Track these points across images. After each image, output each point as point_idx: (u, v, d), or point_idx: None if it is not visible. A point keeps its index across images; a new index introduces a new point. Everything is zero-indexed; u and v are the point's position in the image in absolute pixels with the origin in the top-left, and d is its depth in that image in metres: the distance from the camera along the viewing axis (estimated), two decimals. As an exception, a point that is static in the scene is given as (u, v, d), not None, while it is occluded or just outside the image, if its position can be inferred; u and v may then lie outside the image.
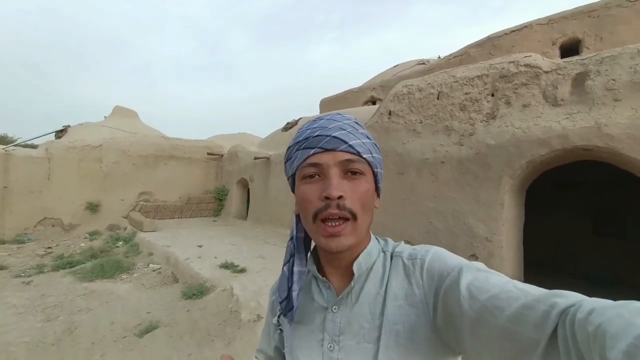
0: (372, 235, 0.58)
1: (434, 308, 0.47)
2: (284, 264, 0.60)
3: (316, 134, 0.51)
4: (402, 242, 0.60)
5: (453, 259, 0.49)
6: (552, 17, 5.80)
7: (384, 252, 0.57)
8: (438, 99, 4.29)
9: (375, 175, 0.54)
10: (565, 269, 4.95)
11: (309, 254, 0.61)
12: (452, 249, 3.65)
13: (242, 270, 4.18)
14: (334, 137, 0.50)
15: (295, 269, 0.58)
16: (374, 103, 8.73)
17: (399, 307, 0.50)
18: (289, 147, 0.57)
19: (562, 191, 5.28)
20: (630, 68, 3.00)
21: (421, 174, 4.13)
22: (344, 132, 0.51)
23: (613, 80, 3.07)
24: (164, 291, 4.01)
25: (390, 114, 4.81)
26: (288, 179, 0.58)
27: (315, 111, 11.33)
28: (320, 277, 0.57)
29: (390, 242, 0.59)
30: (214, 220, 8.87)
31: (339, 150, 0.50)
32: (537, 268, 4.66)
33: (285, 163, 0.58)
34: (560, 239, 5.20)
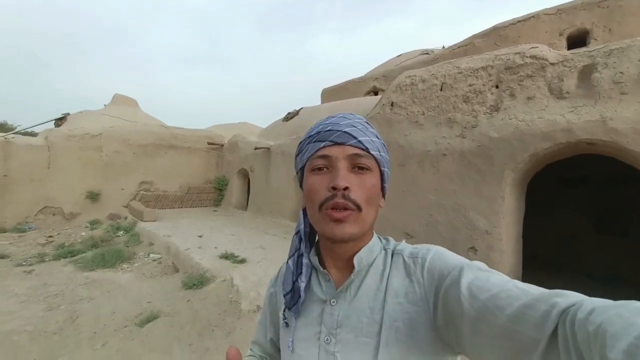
0: (375, 234, 0.58)
1: (434, 307, 0.47)
2: (289, 258, 0.61)
3: (328, 128, 0.53)
4: (404, 241, 0.60)
5: (454, 258, 0.49)
6: (561, 7, 5.64)
7: (385, 249, 0.57)
8: (441, 90, 4.22)
9: (382, 174, 0.55)
10: (568, 267, 4.94)
11: (312, 247, 0.62)
12: (452, 241, 3.66)
13: (242, 261, 4.20)
14: (345, 132, 0.52)
15: (304, 260, 0.59)
16: (376, 94, 8.61)
17: (399, 304, 0.50)
18: (300, 142, 0.58)
19: (566, 188, 5.25)
20: (639, 61, 2.93)
21: (423, 167, 4.09)
22: (354, 128, 0.53)
23: (621, 73, 3.00)
24: (164, 281, 4.04)
25: (392, 105, 4.73)
26: (297, 173, 0.60)
27: (316, 102, 11.19)
28: (321, 268, 0.58)
29: (392, 240, 0.59)
30: (215, 211, 8.88)
31: (348, 145, 0.52)
32: (538, 265, 4.66)
33: (295, 157, 0.60)
34: (563, 236, 5.19)
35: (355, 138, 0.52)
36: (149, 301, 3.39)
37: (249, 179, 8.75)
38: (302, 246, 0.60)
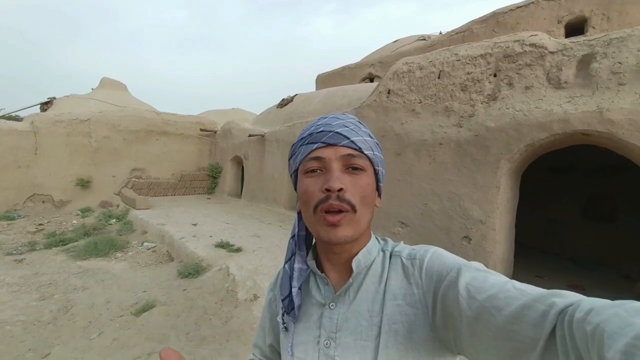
0: (372, 235, 0.58)
1: (432, 308, 0.47)
2: (286, 262, 0.61)
3: (320, 130, 0.53)
4: (402, 242, 0.59)
5: (452, 259, 0.49)
6: (560, -8, 5.52)
7: (383, 251, 0.57)
8: (439, 78, 4.14)
9: (376, 173, 0.55)
10: (553, 253, 5.05)
11: (309, 251, 0.61)
12: (447, 230, 3.69)
13: (238, 250, 4.18)
14: (337, 132, 0.52)
15: (296, 266, 0.59)
16: (371, 80, 8.46)
17: (397, 306, 0.50)
18: (293, 145, 0.58)
19: (555, 174, 5.31)
20: (639, 51, 2.89)
21: (419, 155, 4.07)
22: (346, 129, 0.52)
23: (619, 63, 2.97)
24: (159, 270, 4.01)
25: (389, 92, 4.64)
26: (291, 176, 0.59)
27: (311, 88, 10.98)
28: (319, 272, 0.57)
29: (390, 241, 0.59)
30: (208, 198, 8.79)
31: (341, 145, 0.51)
32: (523, 250, 4.76)
33: (289, 160, 0.59)
34: (549, 222, 5.30)
35: (348, 138, 0.51)
36: (144, 290, 3.36)
37: (242, 166, 8.64)
38: (297, 250, 0.60)
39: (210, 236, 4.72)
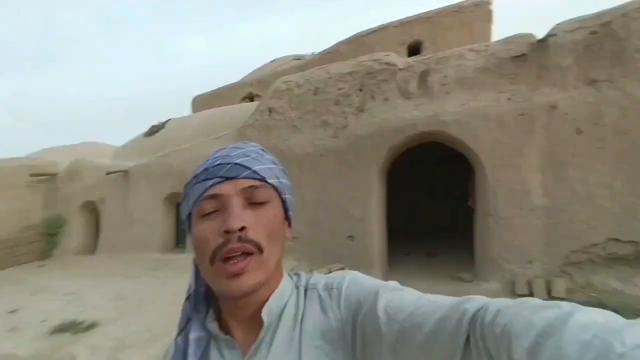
0: (285, 272, 0.54)
1: (352, 339, 0.46)
2: (178, 334, 0.53)
3: (217, 163, 0.49)
4: (315, 273, 0.59)
5: (369, 283, 0.50)
6: (403, 20, 7.06)
7: (297, 287, 0.54)
8: (315, 94, 4.54)
9: (284, 202, 0.52)
10: (413, 230, 6.86)
11: (209, 311, 0.54)
12: (333, 233, 4.09)
13: (91, 326, 3.35)
14: (236, 164, 0.48)
15: (192, 335, 0.51)
16: (251, 99, 8.58)
17: (316, 348, 0.47)
18: (185, 185, 0.52)
19: (411, 167, 6.61)
20: (457, 67, 3.86)
21: (303, 169, 4.37)
22: (247, 158, 0.49)
23: (445, 76, 3.88)
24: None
25: (270, 111, 4.82)
26: (184, 223, 0.54)
27: (186, 111, 10.28)
28: (222, 334, 0.50)
29: (303, 275, 0.56)
30: (41, 266, 6.76)
31: (241, 177, 0.47)
32: (396, 235, 5.56)
33: (180, 204, 0.55)
34: (410, 204, 7.09)
35: (249, 168, 0.47)
36: None
37: (98, 213, 7.12)
38: (195, 313, 0.53)
39: (43, 320, 3.59)
